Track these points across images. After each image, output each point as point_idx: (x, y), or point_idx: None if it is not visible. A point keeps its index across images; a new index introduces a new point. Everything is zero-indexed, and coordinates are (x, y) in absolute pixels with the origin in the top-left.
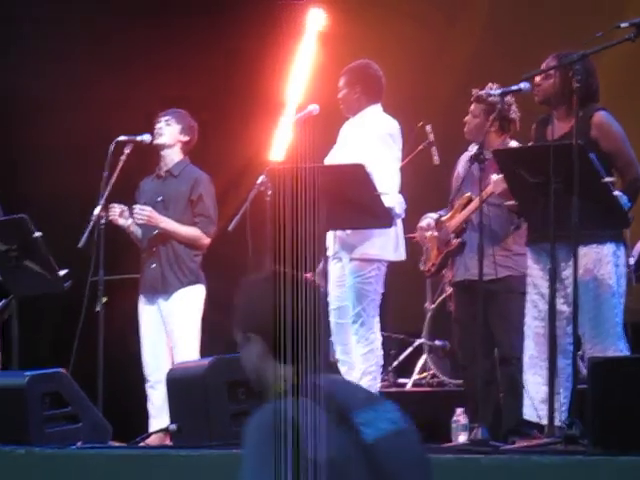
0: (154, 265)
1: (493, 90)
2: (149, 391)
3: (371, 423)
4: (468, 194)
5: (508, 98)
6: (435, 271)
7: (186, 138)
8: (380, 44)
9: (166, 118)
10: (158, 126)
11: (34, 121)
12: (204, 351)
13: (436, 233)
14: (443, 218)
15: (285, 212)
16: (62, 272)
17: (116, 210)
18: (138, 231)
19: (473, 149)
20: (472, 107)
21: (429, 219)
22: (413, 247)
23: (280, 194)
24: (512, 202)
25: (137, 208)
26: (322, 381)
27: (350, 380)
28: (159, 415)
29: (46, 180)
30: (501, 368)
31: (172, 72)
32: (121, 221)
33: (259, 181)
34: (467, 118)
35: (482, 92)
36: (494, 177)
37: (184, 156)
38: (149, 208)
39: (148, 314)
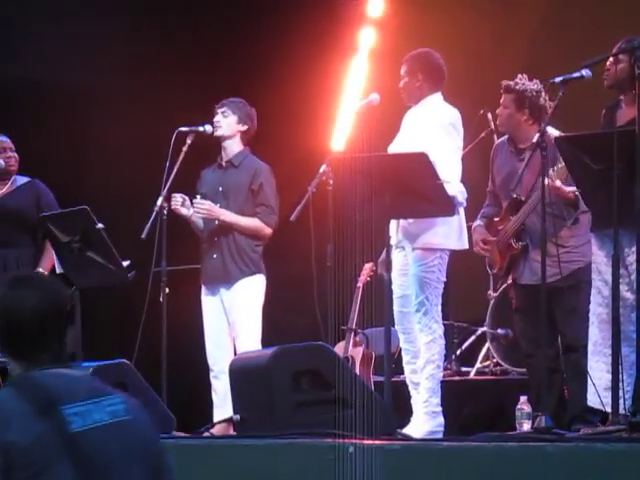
0: (215, 255)
1: (555, 78)
2: (213, 381)
3: (84, 414)
4: (515, 196)
5: (535, 86)
6: (504, 273)
7: (244, 127)
8: (438, 32)
9: (222, 110)
10: (215, 119)
11: (96, 112)
12: (265, 341)
13: (492, 238)
14: (496, 219)
15: (347, 201)
16: (125, 263)
17: (178, 200)
18: (199, 221)
19: (506, 141)
20: (502, 98)
21: (479, 227)
22: None
23: (342, 183)
24: (572, 190)
25: (197, 202)
26: (41, 375)
27: (82, 375)
28: (223, 405)
29: (108, 171)
30: (565, 355)
31: (233, 61)
32: (183, 211)
33: (321, 170)
34: (499, 110)
35: (511, 82)
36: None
37: (244, 146)
38: (208, 202)
39: (210, 304)
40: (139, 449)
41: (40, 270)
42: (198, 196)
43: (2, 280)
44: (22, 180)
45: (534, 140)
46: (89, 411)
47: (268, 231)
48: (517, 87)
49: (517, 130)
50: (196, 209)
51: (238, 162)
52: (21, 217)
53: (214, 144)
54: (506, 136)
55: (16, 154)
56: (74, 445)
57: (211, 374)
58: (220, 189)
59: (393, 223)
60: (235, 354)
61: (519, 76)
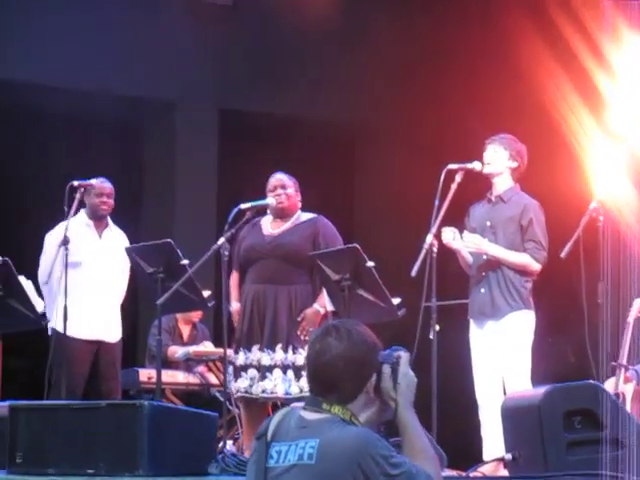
0: (483, 290)
1: None
2: (482, 418)
3: (283, 453)
4: None
5: None
6: None
7: (514, 164)
8: None
9: (493, 146)
10: (486, 154)
11: (363, 147)
12: (534, 377)
13: None
14: None
15: (618, 238)
16: (395, 300)
17: (449, 234)
18: (469, 256)
19: None
20: None
21: None
22: None
23: (612, 220)
24: None
25: (467, 235)
26: (285, 411)
27: (310, 418)
28: (493, 442)
29: (376, 210)
30: None
31: (505, 99)
32: (454, 245)
33: (591, 207)
34: None
35: None
36: None
37: (515, 183)
38: (478, 236)
39: (478, 339)
40: None
41: (316, 307)
42: (467, 233)
43: (276, 318)
44: (306, 217)
45: None
46: (287, 451)
47: (536, 267)
48: None
49: None
50: (466, 243)
51: (507, 198)
52: (295, 254)
53: (482, 180)
54: None
55: (289, 192)
56: (263, 477)
57: (480, 411)
58: (488, 224)
59: None
60: (504, 390)
61: None
